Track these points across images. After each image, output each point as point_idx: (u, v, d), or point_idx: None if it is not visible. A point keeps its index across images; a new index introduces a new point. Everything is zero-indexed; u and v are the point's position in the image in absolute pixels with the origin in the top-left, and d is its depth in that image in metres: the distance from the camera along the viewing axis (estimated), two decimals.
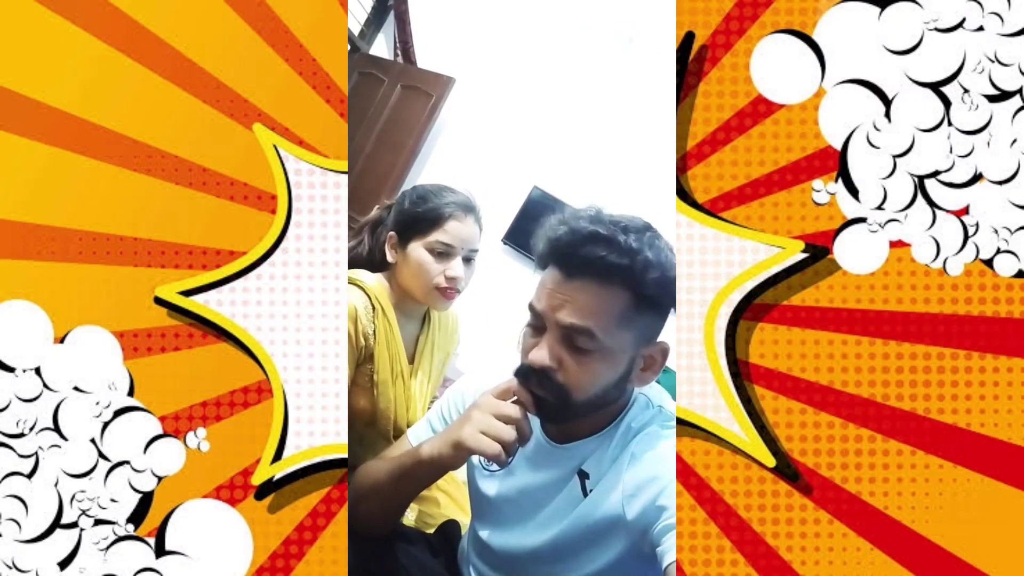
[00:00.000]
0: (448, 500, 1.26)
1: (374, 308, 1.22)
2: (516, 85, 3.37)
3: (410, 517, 1.19)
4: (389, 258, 1.30)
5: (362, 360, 1.19)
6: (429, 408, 1.34)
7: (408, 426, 1.25)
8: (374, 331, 1.19)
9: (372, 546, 0.96)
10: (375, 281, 1.27)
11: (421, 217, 1.23)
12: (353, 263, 1.33)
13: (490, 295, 2.81)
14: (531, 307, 0.85)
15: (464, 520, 1.20)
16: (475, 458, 0.99)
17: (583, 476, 0.89)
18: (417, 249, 1.23)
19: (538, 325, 0.84)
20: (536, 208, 3.27)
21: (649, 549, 0.82)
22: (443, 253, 1.22)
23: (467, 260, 1.26)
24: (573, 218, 0.83)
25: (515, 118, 3.37)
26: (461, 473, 1.24)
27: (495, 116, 3.39)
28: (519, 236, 3.24)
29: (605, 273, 0.80)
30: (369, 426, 1.23)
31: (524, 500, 0.94)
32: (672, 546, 0.78)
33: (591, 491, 0.88)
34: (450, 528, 1.16)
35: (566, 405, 0.83)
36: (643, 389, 0.92)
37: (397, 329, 1.24)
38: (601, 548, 0.88)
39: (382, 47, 3.57)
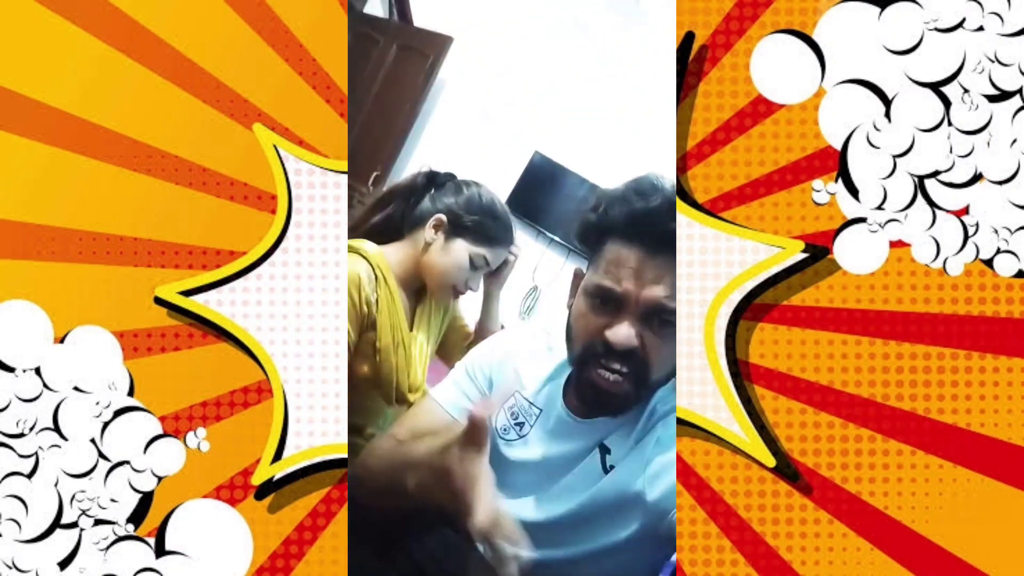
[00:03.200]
0: None
1: (376, 277, 1.23)
2: (516, 46, 3.30)
3: None
4: (427, 237, 1.30)
5: (365, 327, 1.21)
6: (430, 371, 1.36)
7: (409, 390, 1.27)
8: (376, 299, 1.20)
9: (381, 519, 0.93)
10: (376, 250, 1.28)
11: (486, 229, 1.27)
12: (384, 230, 1.33)
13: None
14: (602, 288, 0.80)
15: None
16: (495, 424, 0.97)
17: (604, 450, 0.88)
18: (462, 250, 1.26)
19: (608, 304, 0.80)
20: (537, 174, 3.15)
21: (666, 531, 0.81)
22: (478, 267, 1.26)
23: (484, 276, 1.31)
24: (651, 188, 0.79)
25: (515, 80, 3.30)
26: None
27: (494, 77, 3.33)
28: (520, 203, 3.12)
29: (669, 240, 0.77)
30: (373, 389, 1.25)
31: (541, 471, 0.92)
32: None
33: (611, 467, 0.87)
34: None
35: (644, 385, 0.82)
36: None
37: (399, 297, 1.26)
38: (616, 526, 0.87)
39: (377, 6, 3.48)
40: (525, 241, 3.13)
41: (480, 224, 1.28)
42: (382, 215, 1.34)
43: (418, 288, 1.35)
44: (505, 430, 0.97)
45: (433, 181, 1.35)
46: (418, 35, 3.29)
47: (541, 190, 3.13)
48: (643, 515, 0.86)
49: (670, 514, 0.78)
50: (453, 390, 1.04)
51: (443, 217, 1.30)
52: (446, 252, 1.27)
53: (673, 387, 0.89)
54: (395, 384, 1.26)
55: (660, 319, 0.80)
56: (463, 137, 3.23)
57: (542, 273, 3.09)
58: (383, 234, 1.32)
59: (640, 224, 0.79)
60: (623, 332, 0.79)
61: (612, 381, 0.81)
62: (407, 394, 1.29)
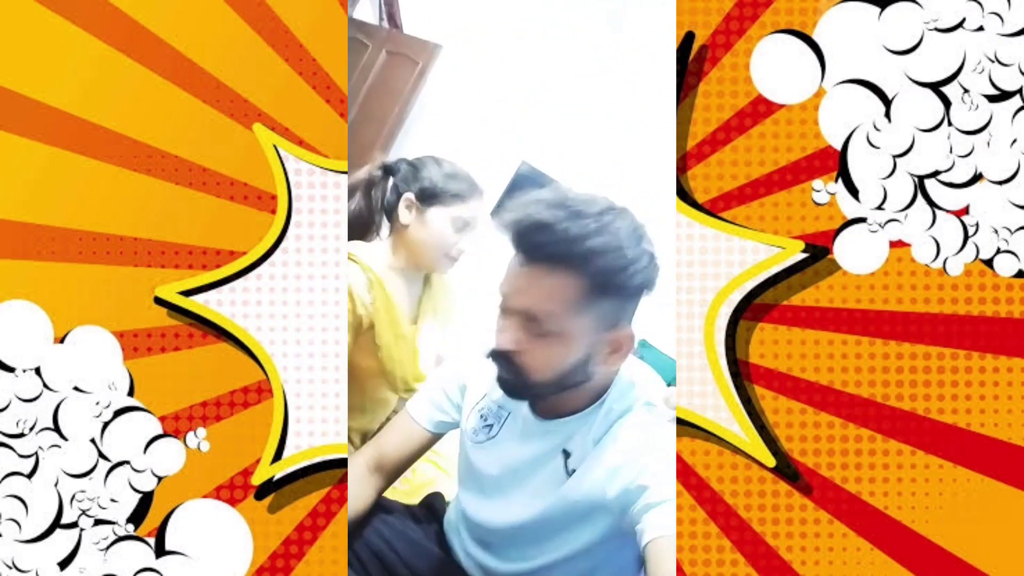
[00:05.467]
0: (438, 471, 1.28)
1: (371, 280, 1.25)
2: (510, 48, 3.29)
3: (400, 489, 1.20)
4: (403, 219, 1.33)
5: (364, 328, 1.24)
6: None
7: (416, 379, 1.30)
8: (372, 301, 1.23)
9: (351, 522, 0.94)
10: (367, 254, 1.31)
11: (454, 191, 1.31)
12: (353, 226, 1.36)
13: (480, 270, 2.78)
14: (500, 289, 0.85)
15: (453, 489, 1.21)
16: (466, 426, 1.00)
17: (566, 455, 0.89)
18: (441, 218, 1.29)
19: (503, 308, 0.85)
20: (524, 184, 3.16)
21: (629, 527, 0.82)
22: (462, 226, 1.28)
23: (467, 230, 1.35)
24: (534, 202, 0.82)
25: (508, 81, 3.30)
26: (451, 444, 1.25)
27: (483, 87, 3.32)
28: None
29: (550, 261, 0.80)
30: (379, 379, 1.28)
31: (509, 473, 0.94)
32: (652, 524, 0.77)
33: (573, 471, 0.88)
34: (434, 499, 1.16)
35: (525, 385, 0.85)
36: (628, 372, 0.92)
37: (392, 296, 1.29)
38: (584, 528, 0.88)
39: (367, 11, 3.47)
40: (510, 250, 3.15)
41: (449, 190, 1.31)
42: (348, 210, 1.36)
43: (419, 275, 1.37)
44: (475, 431, 0.98)
45: (390, 171, 1.39)
46: (407, 42, 3.30)
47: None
48: (607, 515, 0.86)
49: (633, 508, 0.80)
50: (426, 403, 1.06)
51: (411, 196, 1.33)
52: (425, 225, 1.30)
53: (629, 387, 0.91)
54: (399, 375, 1.29)
55: (530, 326, 0.81)
56: (450, 143, 3.22)
57: None
58: (352, 229, 1.35)
59: (517, 235, 0.82)
60: (498, 336, 0.84)
61: (504, 379, 0.87)
62: (412, 383, 1.33)
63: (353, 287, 1.24)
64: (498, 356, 0.85)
